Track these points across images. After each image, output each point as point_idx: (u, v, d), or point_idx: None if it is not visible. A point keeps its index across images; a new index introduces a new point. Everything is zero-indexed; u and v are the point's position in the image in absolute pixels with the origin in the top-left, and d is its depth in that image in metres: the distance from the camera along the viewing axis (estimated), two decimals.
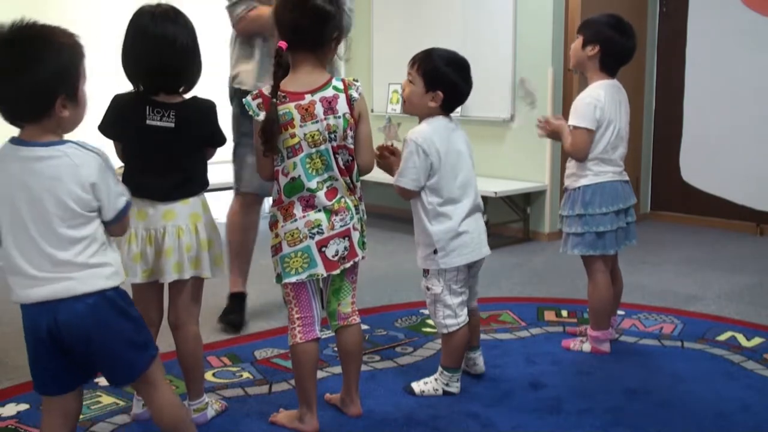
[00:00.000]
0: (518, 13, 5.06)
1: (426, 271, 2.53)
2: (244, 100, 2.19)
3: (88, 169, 1.72)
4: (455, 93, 2.48)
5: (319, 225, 2.19)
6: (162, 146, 2.18)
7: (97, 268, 1.75)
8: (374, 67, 6.05)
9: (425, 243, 2.49)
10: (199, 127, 2.22)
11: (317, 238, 2.19)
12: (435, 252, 2.47)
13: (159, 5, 2.22)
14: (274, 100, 2.12)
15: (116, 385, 1.89)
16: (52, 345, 1.74)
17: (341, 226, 2.22)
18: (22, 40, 1.67)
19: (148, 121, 2.14)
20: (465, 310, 2.54)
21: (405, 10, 5.71)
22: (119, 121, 2.18)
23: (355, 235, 2.26)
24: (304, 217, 2.18)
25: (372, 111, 5.94)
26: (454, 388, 2.57)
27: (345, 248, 2.23)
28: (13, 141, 1.74)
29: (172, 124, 2.16)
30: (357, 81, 2.25)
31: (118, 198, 1.79)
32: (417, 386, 2.59)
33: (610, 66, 2.87)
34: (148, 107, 2.14)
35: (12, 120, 1.73)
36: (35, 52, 1.66)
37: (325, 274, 2.22)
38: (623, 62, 2.90)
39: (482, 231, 2.56)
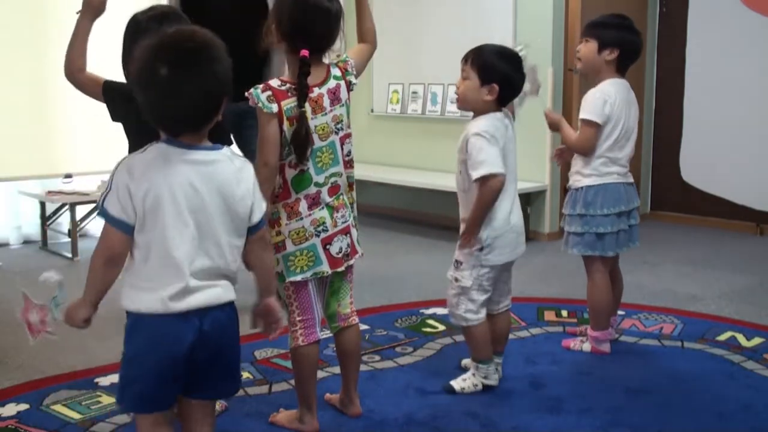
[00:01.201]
0: (518, 14, 5.06)
1: (458, 263, 2.53)
2: (252, 91, 2.11)
3: (247, 173, 1.69)
4: (510, 85, 2.50)
5: (323, 222, 2.19)
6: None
7: (232, 278, 1.69)
8: (374, 67, 6.03)
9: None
10: None
11: (322, 235, 2.20)
12: (480, 249, 2.48)
13: (154, 6, 2.22)
14: (302, 109, 2.10)
15: (217, 397, 1.72)
16: (185, 358, 1.61)
17: (342, 223, 2.23)
18: (200, 47, 1.59)
19: None
20: (485, 309, 2.55)
21: (405, 10, 5.70)
22: (124, 104, 2.15)
23: (354, 233, 2.28)
24: (309, 215, 2.18)
25: (372, 111, 5.95)
26: (493, 380, 2.57)
27: (347, 245, 2.25)
28: (172, 143, 1.62)
29: None
30: (346, 58, 2.26)
31: (262, 201, 1.75)
32: (456, 384, 2.58)
33: (625, 66, 2.89)
34: None
35: (180, 130, 1.61)
36: (212, 57, 1.60)
37: (329, 272, 2.22)
38: (635, 60, 2.92)
39: (522, 229, 2.60)
